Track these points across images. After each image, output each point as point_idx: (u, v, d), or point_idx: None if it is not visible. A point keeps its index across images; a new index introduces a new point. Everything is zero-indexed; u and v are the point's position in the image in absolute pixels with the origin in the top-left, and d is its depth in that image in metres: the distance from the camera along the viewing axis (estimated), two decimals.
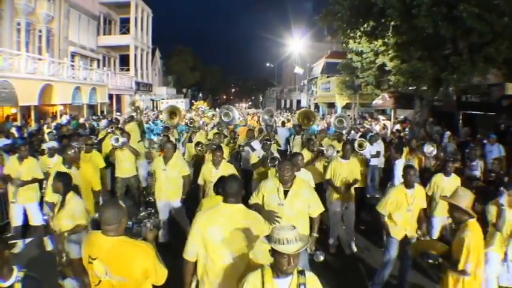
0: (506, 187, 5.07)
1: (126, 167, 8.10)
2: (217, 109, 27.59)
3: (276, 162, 7.03)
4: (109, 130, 8.63)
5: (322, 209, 4.66)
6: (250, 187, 7.66)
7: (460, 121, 16.60)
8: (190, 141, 9.50)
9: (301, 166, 5.98)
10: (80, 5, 28.31)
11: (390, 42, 15.41)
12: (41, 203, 6.81)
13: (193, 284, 3.45)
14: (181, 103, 35.16)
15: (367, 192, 9.44)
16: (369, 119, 22.52)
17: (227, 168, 6.25)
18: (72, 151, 5.89)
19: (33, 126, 16.25)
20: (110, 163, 8.26)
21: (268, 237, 2.66)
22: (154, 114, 23.60)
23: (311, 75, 41.93)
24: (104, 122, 16.83)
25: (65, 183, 4.64)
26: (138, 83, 35.33)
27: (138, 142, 9.18)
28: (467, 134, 13.70)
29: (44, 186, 6.79)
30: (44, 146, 8.69)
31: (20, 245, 6.87)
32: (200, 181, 6.58)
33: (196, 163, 8.89)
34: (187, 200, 6.73)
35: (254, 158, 7.81)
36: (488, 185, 7.22)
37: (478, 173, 8.33)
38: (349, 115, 25.58)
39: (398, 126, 17.72)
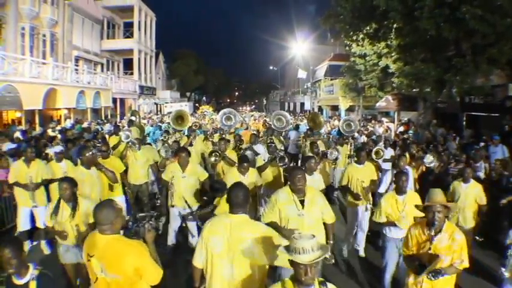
0: None
1: (140, 174, 7.94)
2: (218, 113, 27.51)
3: (286, 161, 7.11)
4: (124, 140, 8.43)
5: (334, 216, 4.62)
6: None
7: (464, 122, 16.55)
8: (190, 145, 9.46)
9: (315, 169, 6.00)
10: (84, 9, 28.47)
11: (393, 45, 15.42)
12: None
13: None
14: (185, 106, 35.26)
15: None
16: (373, 121, 22.49)
17: (253, 174, 6.38)
18: (90, 153, 5.88)
19: (37, 130, 16.31)
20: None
21: (287, 247, 2.63)
22: (158, 118, 23.64)
23: (314, 78, 41.92)
24: (107, 126, 16.88)
25: (74, 187, 4.61)
26: (142, 87, 35.43)
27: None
28: (470, 136, 13.67)
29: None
30: (48, 151, 8.70)
31: (26, 246, 6.96)
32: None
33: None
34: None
35: (260, 161, 7.70)
36: (492, 186, 7.21)
37: (481, 174, 8.31)
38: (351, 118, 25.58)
39: (402, 128, 17.70)
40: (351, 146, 9.63)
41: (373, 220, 5.34)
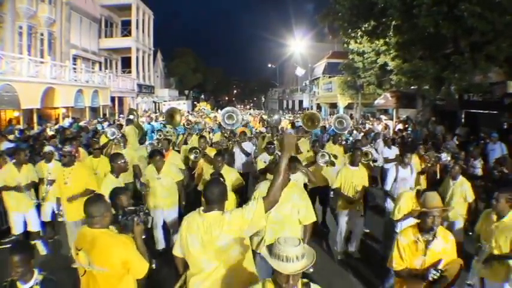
0: None
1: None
2: (219, 110, 27.51)
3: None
4: (110, 137, 8.35)
5: (314, 218, 4.50)
6: (248, 191, 7.57)
7: (463, 120, 16.56)
8: (185, 143, 9.41)
9: (297, 170, 5.88)
10: (81, 8, 28.37)
11: (391, 42, 15.41)
12: (38, 209, 6.92)
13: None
14: (183, 105, 35.26)
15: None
16: (371, 119, 22.51)
17: (229, 173, 6.20)
18: (122, 161, 5.58)
19: (36, 129, 16.27)
20: None
21: (270, 249, 2.47)
22: (156, 116, 23.65)
23: (313, 75, 41.90)
24: (106, 125, 16.85)
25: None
26: (140, 85, 35.37)
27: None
28: (466, 134, 13.69)
29: (48, 190, 6.80)
30: (46, 150, 8.65)
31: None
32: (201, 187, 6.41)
33: (192, 168, 8.59)
34: (186, 206, 6.63)
35: (260, 163, 7.57)
36: (491, 184, 7.21)
37: (479, 171, 8.32)
38: (351, 114, 25.61)
39: (400, 126, 17.72)
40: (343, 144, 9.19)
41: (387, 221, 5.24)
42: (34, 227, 6.82)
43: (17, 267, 2.89)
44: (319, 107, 38.63)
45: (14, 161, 6.84)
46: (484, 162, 8.84)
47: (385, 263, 3.92)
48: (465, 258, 3.69)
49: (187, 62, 49.53)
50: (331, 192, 8.77)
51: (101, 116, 24.43)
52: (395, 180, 6.73)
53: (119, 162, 5.51)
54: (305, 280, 2.55)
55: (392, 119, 21.72)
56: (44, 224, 7.23)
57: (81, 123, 17.30)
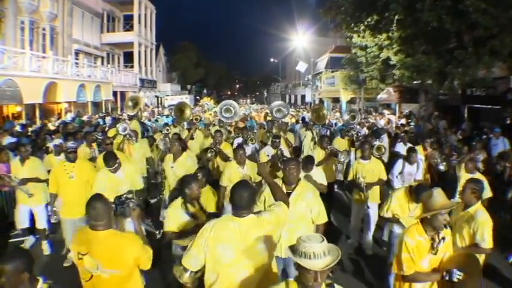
0: None
1: (138, 167, 7.70)
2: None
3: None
4: (122, 133, 8.21)
5: (326, 218, 4.39)
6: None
7: (466, 115, 16.50)
8: (191, 138, 9.39)
9: (311, 168, 5.93)
10: (83, 3, 28.33)
11: (394, 36, 15.32)
12: (47, 205, 6.64)
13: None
14: (185, 99, 35.21)
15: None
16: (374, 114, 22.45)
17: (253, 167, 6.19)
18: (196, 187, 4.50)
19: (38, 124, 16.30)
20: None
21: (293, 249, 2.36)
22: (159, 110, 23.66)
23: (315, 70, 41.75)
24: (108, 119, 16.87)
25: None
26: (143, 80, 35.37)
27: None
28: (469, 128, 13.64)
29: None
30: (49, 144, 8.65)
31: (30, 241, 6.88)
32: (225, 182, 6.12)
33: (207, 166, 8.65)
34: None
35: (264, 156, 7.52)
36: (493, 178, 7.18)
37: (480, 165, 8.26)
38: (360, 109, 25.55)
39: (403, 121, 17.66)
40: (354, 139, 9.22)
41: (380, 215, 5.21)
42: (41, 223, 6.64)
43: (10, 277, 2.40)
44: (321, 102, 38.52)
45: (18, 156, 6.71)
46: (487, 157, 8.80)
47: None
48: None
49: (189, 57, 49.52)
50: (335, 186, 8.79)
51: (103, 111, 24.46)
52: (400, 173, 6.78)
53: (195, 191, 4.62)
54: (328, 281, 2.45)
55: (395, 114, 21.66)
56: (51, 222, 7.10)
57: (84, 118, 17.32)
